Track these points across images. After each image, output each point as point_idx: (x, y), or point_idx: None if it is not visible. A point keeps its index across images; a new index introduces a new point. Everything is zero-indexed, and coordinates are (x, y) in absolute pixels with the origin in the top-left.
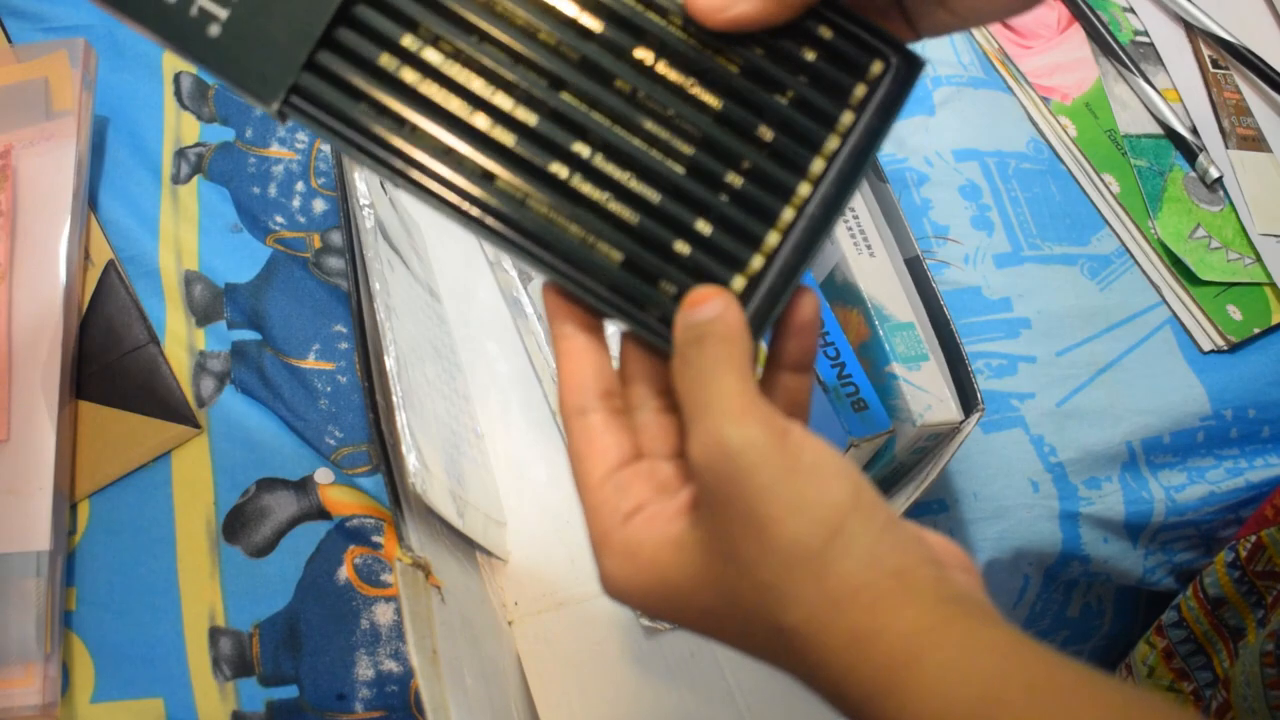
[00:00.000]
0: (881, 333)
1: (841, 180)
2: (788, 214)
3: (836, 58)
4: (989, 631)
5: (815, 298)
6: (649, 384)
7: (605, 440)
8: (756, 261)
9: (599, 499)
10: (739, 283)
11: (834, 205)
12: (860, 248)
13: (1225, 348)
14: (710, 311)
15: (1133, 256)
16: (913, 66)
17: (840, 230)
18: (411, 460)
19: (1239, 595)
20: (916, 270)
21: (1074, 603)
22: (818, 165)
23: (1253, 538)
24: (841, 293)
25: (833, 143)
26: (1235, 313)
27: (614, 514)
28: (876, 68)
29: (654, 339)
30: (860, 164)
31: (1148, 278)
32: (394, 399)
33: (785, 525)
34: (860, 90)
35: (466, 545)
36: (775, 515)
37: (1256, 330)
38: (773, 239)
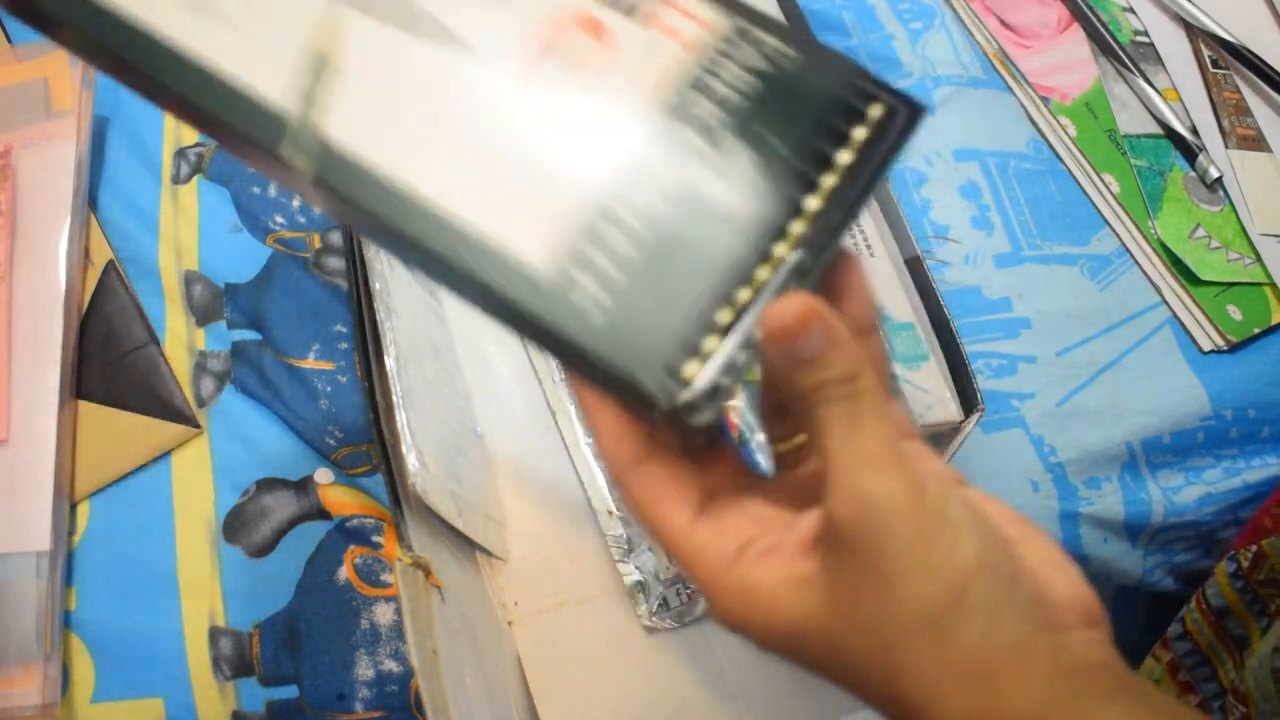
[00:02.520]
0: (881, 332)
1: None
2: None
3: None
4: (1103, 711)
5: (856, 260)
6: None
7: (676, 485)
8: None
9: (696, 544)
10: None
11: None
12: (860, 247)
13: (1225, 348)
14: (817, 342)
15: (1132, 256)
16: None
17: None
18: (411, 460)
19: (1243, 605)
20: (916, 270)
21: None
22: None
23: (1254, 547)
24: None
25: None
26: (1235, 313)
27: (719, 556)
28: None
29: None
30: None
31: (1148, 278)
32: (394, 398)
33: (911, 585)
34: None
35: (466, 545)
36: (903, 572)
37: (1257, 330)
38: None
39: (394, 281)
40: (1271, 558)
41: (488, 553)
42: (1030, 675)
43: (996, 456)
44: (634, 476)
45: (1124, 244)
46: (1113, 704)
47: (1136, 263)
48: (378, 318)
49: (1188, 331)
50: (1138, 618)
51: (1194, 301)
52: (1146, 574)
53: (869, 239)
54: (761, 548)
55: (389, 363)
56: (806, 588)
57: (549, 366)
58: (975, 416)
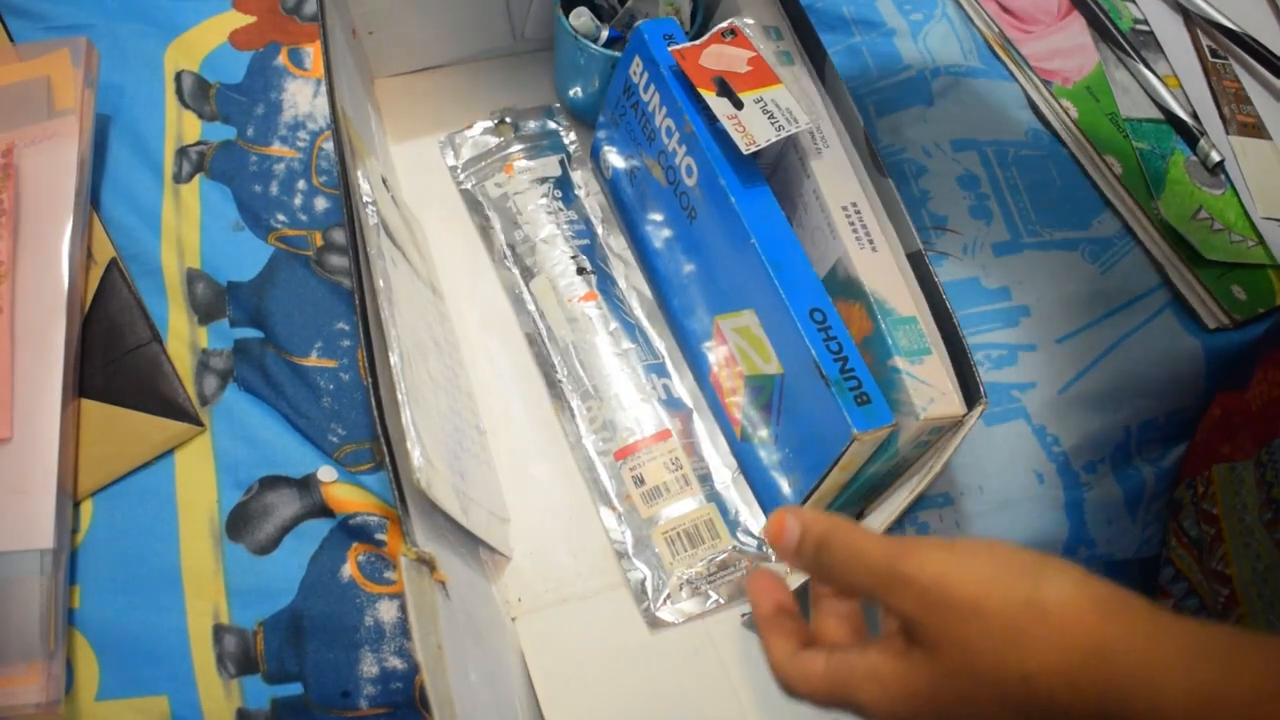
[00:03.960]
0: (884, 326)
1: None
2: None
3: None
4: (1198, 632)
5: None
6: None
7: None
8: None
9: (833, 663)
10: None
11: None
12: (862, 242)
13: (1230, 326)
14: (794, 531)
15: (1135, 237)
16: None
17: (842, 225)
18: (416, 456)
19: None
20: (919, 264)
21: None
22: None
23: (1205, 473)
24: (844, 287)
25: None
26: (1239, 293)
27: (844, 662)
28: None
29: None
30: None
31: (1151, 258)
32: (398, 396)
33: (992, 593)
34: None
35: (470, 542)
36: (980, 591)
37: (1261, 310)
38: None
39: (396, 278)
40: (1215, 485)
41: (491, 549)
42: (1128, 610)
43: (999, 449)
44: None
45: (1127, 225)
46: (1195, 629)
47: (1139, 243)
48: (381, 315)
49: (1192, 310)
50: (1133, 587)
51: (1198, 281)
52: (1143, 545)
53: (871, 233)
54: (873, 650)
55: (392, 359)
56: (917, 653)
57: (551, 365)
58: (978, 410)
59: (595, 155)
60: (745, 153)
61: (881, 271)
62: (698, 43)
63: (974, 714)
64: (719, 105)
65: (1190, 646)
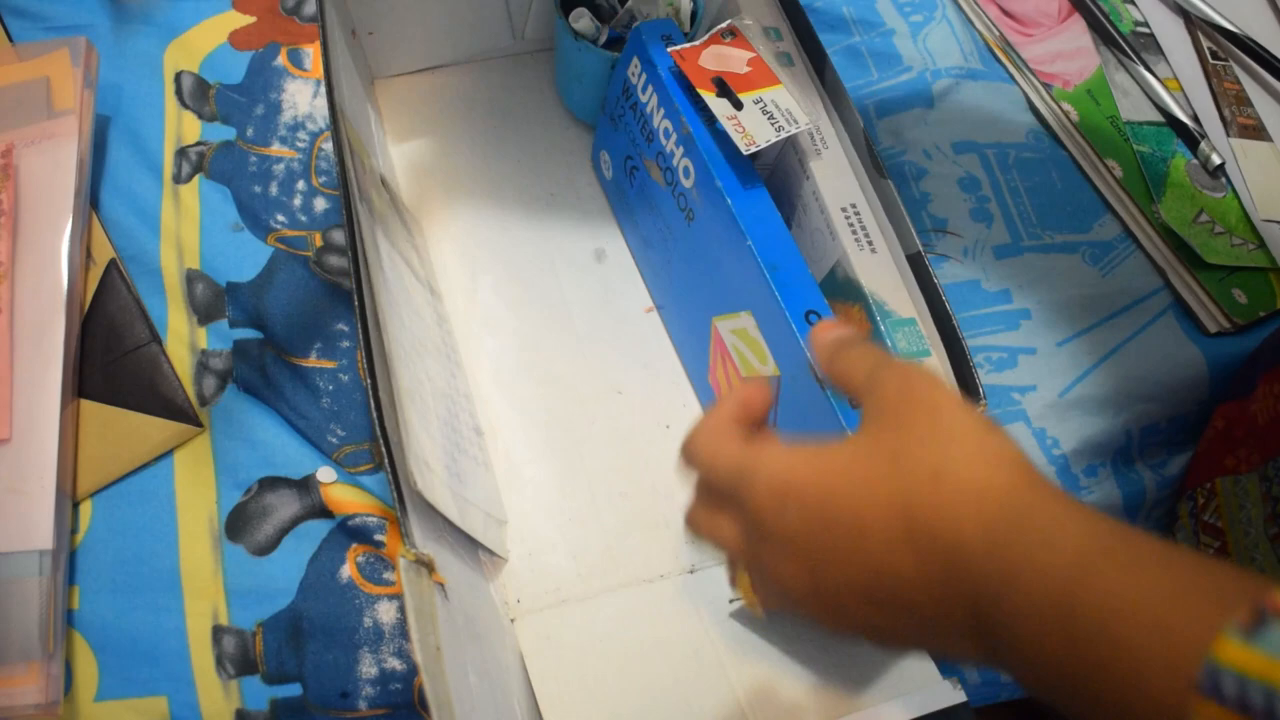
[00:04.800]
0: (883, 328)
1: None
2: None
3: None
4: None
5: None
6: None
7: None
8: None
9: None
10: None
11: None
12: (861, 244)
13: (1231, 330)
14: (835, 332)
15: (1136, 240)
16: None
17: (841, 226)
18: (413, 458)
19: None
20: (918, 266)
21: None
22: None
23: (1208, 485)
24: (843, 289)
25: None
26: (1240, 296)
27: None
28: None
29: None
30: None
31: (1152, 261)
32: (396, 397)
33: (954, 408)
34: None
35: (469, 543)
36: (948, 401)
37: (1262, 314)
38: None
39: (396, 280)
40: (1219, 497)
41: (489, 551)
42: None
43: None
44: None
45: (1127, 228)
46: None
47: (1140, 246)
48: (380, 316)
49: (1193, 314)
50: None
51: (1199, 285)
52: None
53: (870, 235)
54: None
55: (391, 361)
56: (860, 430)
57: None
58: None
59: (595, 155)
60: (745, 153)
61: (881, 273)
62: (697, 43)
63: (869, 489)
64: (718, 106)
65: (1091, 529)
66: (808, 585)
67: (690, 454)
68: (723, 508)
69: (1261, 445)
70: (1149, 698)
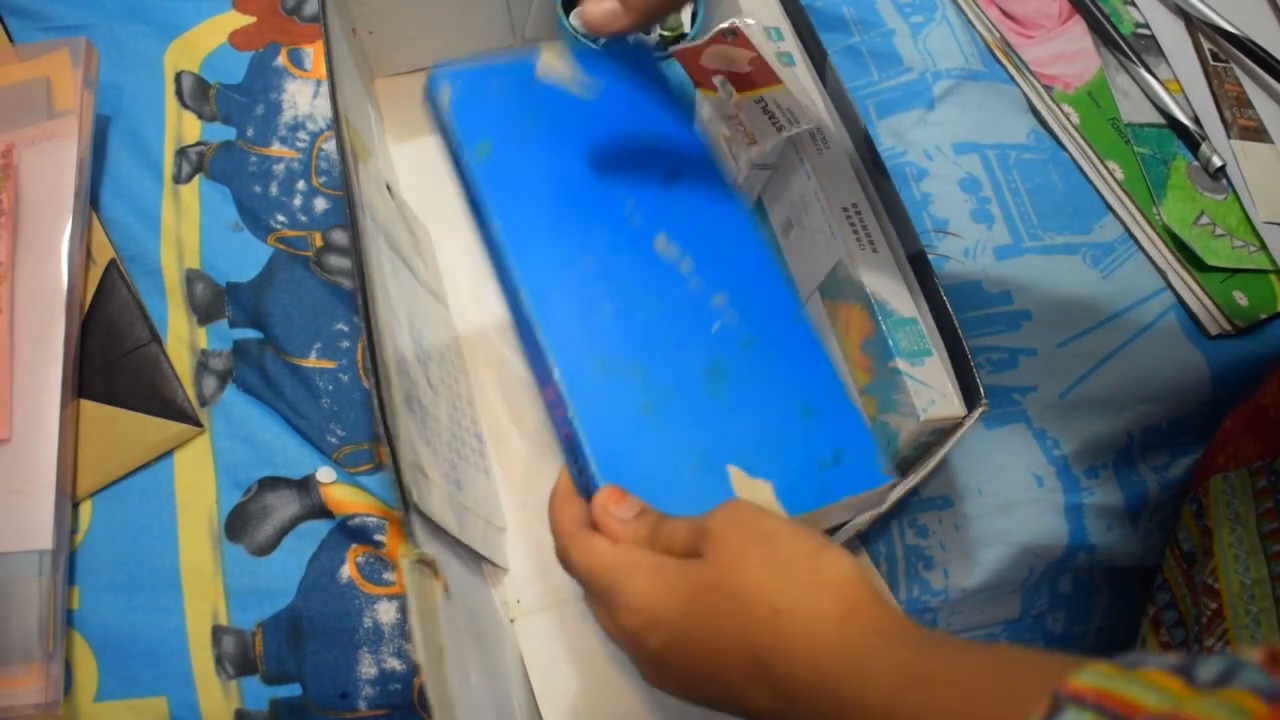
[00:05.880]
0: (885, 328)
1: None
2: None
3: None
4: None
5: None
6: None
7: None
8: None
9: (621, 548)
10: None
11: None
12: (863, 243)
13: (1232, 332)
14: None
15: (1137, 242)
16: None
17: (842, 226)
18: (408, 467)
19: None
20: (920, 265)
21: (1064, 580)
22: None
23: (1205, 486)
24: (844, 289)
25: None
26: (1241, 298)
27: (637, 549)
28: None
29: None
30: None
31: (1153, 263)
32: (397, 402)
33: (788, 538)
34: None
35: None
36: (781, 533)
37: (1263, 316)
38: None
39: (399, 286)
40: (1210, 495)
41: (491, 561)
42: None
43: (999, 452)
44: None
45: (1128, 230)
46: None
47: (1141, 248)
48: (382, 323)
49: (1194, 316)
50: (1135, 595)
51: (1200, 287)
52: (1146, 553)
53: (871, 235)
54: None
55: (388, 370)
56: (701, 558)
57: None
58: (978, 411)
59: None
60: (746, 152)
61: (882, 273)
62: (698, 43)
63: (718, 625)
64: (719, 105)
65: (898, 660)
66: (674, 690)
67: (565, 563)
68: (599, 602)
69: (1265, 437)
70: None
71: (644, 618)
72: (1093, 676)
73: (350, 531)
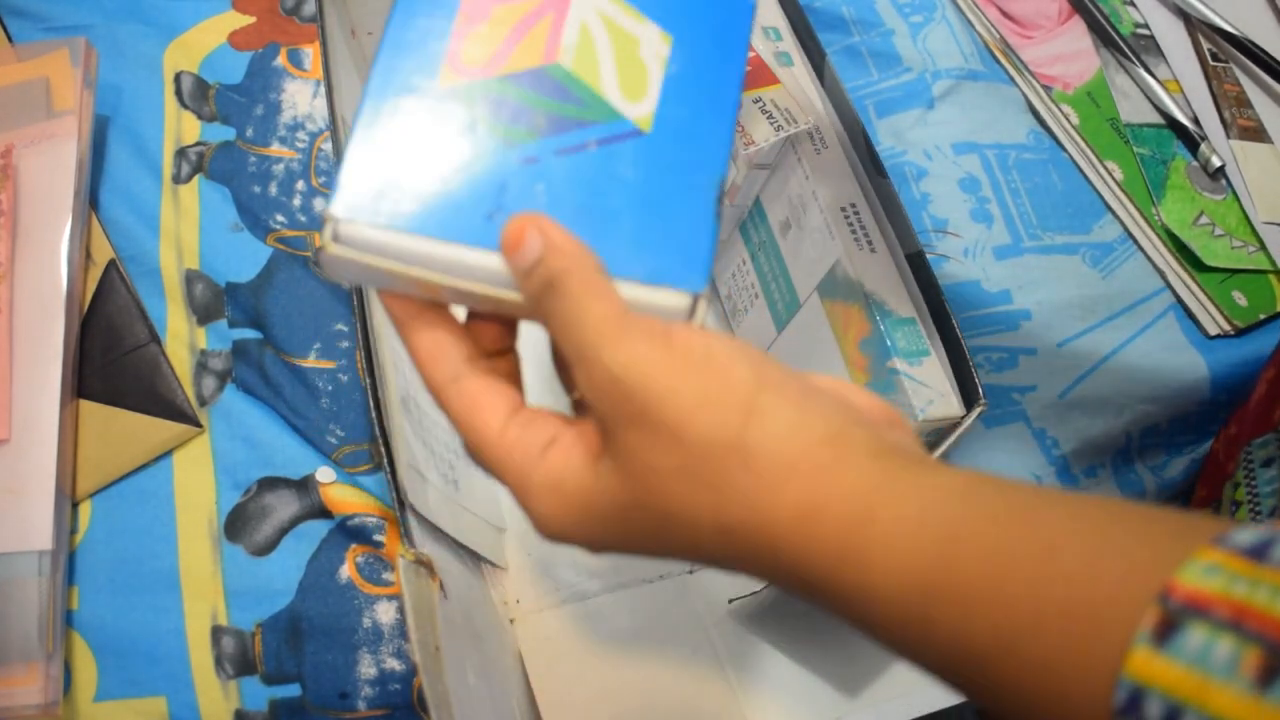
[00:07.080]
0: (883, 328)
1: None
2: None
3: None
4: (936, 476)
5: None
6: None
7: (490, 397)
8: None
9: (506, 444)
10: None
11: None
12: (861, 243)
13: (1231, 332)
14: (535, 248)
15: (1136, 243)
16: None
17: (841, 226)
18: (404, 467)
19: None
20: (918, 265)
21: None
22: None
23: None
24: (842, 288)
25: None
26: (1240, 299)
27: (526, 454)
28: None
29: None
30: None
31: (1152, 263)
32: (395, 402)
33: (695, 422)
34: None
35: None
36: (682, 416)
37: (1262, 316)
38: None
39: None
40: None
41: (489, 561)
42: (851, 457)
43: (999, 451)
44: (451, 392)
45: (1128, 230)
46: (944, 473)
47: (1140, 249)
48: (378, 323)
49: (1194, 316)
50: None
51: (1199, 287)
52: None
53: (870, 234)
54: (566, 440)
55: (385, 369)
56: (606, 465)
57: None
58: (977, 411)
59: None
60: (744, 152)
61: (881, 273)
62: None
63: (666, 551)
64: None
65: (912, 513)
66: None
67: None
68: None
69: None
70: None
71: (570, 540)
72: (1219, 578)
73: (350, 532)
